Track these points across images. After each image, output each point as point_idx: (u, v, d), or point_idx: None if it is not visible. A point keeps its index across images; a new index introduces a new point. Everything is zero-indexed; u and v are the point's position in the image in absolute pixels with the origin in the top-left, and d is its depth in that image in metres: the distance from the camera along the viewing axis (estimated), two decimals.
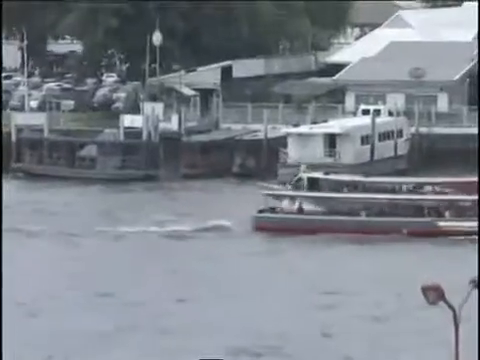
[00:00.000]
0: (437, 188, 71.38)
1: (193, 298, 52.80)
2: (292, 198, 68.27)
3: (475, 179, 70.69)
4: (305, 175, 72.61)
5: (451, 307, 21.19)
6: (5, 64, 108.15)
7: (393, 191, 72.16)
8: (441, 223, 67.63)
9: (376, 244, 63.80)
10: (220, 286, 55.17)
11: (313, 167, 77.11)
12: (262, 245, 64.31)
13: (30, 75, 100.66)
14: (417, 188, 72.37)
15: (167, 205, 74.24)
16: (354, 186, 73.99)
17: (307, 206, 71.52)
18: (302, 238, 63.81)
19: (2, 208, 72.21)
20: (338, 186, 74.08)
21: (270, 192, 68.97)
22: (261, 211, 66.73)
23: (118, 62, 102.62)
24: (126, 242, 66.79)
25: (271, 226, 65.74)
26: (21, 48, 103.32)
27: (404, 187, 71.62)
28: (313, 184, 72.77)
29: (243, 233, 65.79)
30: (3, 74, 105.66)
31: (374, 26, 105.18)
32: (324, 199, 71.85)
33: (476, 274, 22.82)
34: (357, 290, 52.94)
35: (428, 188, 71.76)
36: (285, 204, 68.47)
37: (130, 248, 66.22)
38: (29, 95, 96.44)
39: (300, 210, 67.06)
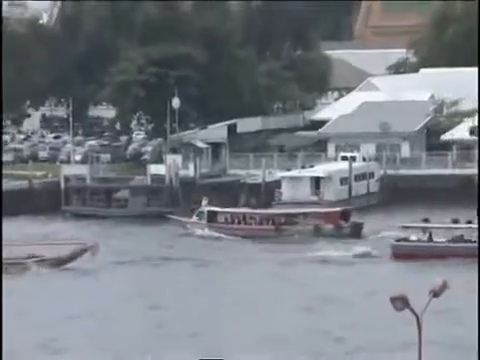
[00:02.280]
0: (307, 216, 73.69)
1: None
2: (424, 229, 64.62)
3: (337, 209, 75.10)
4: (205, 209, 75.23)
5: (415, 313, 22.65)
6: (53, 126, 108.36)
7: (270, 220, 74.43)
8: None
9: None
10: None
11: (301, 204, 78.61)
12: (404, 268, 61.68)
13: (75, 134, 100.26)
14: (291, 217, 74.44)
15: None
16: (243, 216, 75.61)
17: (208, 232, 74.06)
18: (433, 262, 60.39)
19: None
20: (231, 217, 75.60)
21: (405, 225, 66.13)
22: (398, 240, 64.17)
23: (145, 122, 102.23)
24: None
25: (407, 253, 63.11)
26: (67, 114, 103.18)
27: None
28: (212, 216, 75.06)
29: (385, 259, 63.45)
30: (53, 134, 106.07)
31: (349, 89, 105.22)
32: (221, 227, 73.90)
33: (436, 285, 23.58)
34: None
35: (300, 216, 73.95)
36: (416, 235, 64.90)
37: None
38: (74, 150, 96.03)
39: (430, 239, 64.17)
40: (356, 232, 72.22)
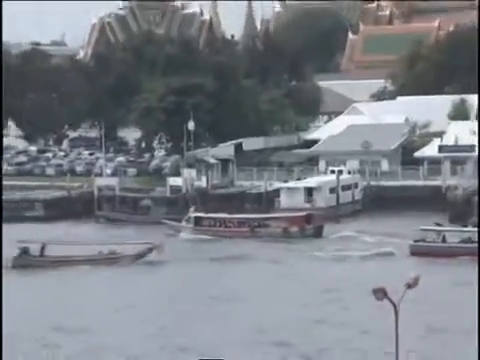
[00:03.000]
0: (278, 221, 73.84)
1: None
2: (438, 232, 64.00)
3: (302, 214, 74.90)
4: (193, 215, 75.49)
5: (392, 302, 21.85)
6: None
7: (246, 223, 74.54)
8: None
9: None
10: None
11: (297, 209, 78.00)
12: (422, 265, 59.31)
13: (106, 152, 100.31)
14: (263, 220, 74.56)
15: None
16: (223, 221, 75.45)
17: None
18: (445, 259, 60.19)
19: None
20: (213, 221, 75.50)
21: (426, 227, 65.06)
22: (416, 241, 63.30)
23: (165, 142, 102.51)
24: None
25: (423, 251, 62.28)
26: (100, 134, 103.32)
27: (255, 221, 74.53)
28: (198, 220, 75.25)
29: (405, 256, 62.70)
30: (88, 151, 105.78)
31: (337, 114, 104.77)
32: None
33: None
34: None
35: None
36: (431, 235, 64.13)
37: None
38: (105, 165, 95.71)
39: (444, 239, 63.38)
40: (317, 233, 72.61)
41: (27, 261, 61.04)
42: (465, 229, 65.15)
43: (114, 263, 61.53)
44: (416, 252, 62.27)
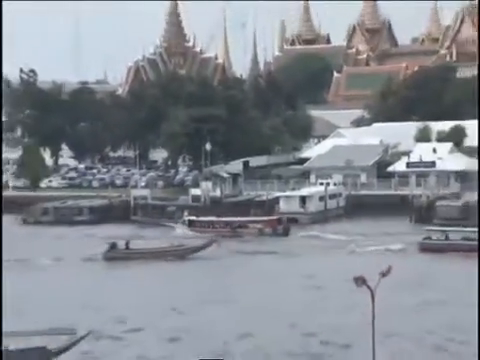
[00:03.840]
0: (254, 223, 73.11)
1: None
2: (442, 232, 62.34)
3: (274, 218, 74.91)
4: (186, 218, 75.35)
5: (369, 288, 21.53)
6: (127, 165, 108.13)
7: (229, 225, 73.57)
8: None
9: None
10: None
11: (292, 216, 77.70)
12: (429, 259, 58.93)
13: (140, 168, 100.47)
14: (243, 223, 73.71)
15: None
16: (211, 222, 74.96)
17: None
18: (449, 254, 58.64)
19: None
20: (203, 223, 75.16)
21: (431, 228, 64.34)
22: (424, 238, 61.86)
23: (187, 160, 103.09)
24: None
25: (430, 247, 60.93)
26: (135, 155, 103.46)
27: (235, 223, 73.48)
28: (190, 222, 74.95)
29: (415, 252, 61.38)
30: (125, 168, 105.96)
31: (325, 137, 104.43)
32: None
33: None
34: None
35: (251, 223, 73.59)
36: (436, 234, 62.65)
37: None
38: (139, 179, 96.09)
39: (446, 237, 61.66)
40: (285, 233, 71.77)
41: (115, 254, 60.57)
42: (465, 229, 63.24)
43: (182, 253, 61.06)
44: (424, 248, 61.11)
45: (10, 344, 33.29)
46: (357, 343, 33.60)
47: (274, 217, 75.23)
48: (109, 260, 60.05)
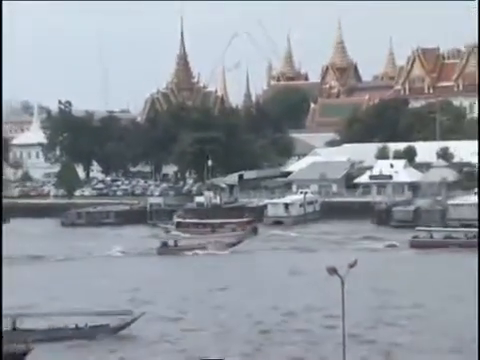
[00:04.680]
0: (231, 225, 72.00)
1: None
2: (428, 232, 61.66)
3: (245, 220, 73.45)
4: (176, 220, 74.75)
5: (340, 277, 21.73)
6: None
7: (209, 226, 72.72)
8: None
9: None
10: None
11: (278, 219, 77.54)
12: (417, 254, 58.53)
13: (155, 180, 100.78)
14: (220, 224, 72.87)
15: None
16: (195, 223, 74.66)
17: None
18: (434, 250, 57.80)
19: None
20: (188, 224, 74.71)
21: (420, 229, 62.81)
22: (413, 237, 61.09)
23: (193, 174, 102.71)
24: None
25: (418, 244, 60.10)
26: (151, 170, 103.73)
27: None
28: (178, 223, 74.37)
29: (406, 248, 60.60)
30: (143, 180, 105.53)
31: (304, 155, 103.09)
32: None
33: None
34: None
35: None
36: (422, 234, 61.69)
37: None
38: (154, 189, 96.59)
39: (431, 236, 61.10)
40: (254, 232, 71.19)
41: (167, 250, 61.20)
42: (447, 229, 63.18)
43: (219, 248, 61.11)
44: (414, 245, 60.50)
45: (81, 322, 33.50)
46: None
47: (245, 219, 74.13)
48: (161, 254, 60.82)
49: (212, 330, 35.21)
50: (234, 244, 62.17)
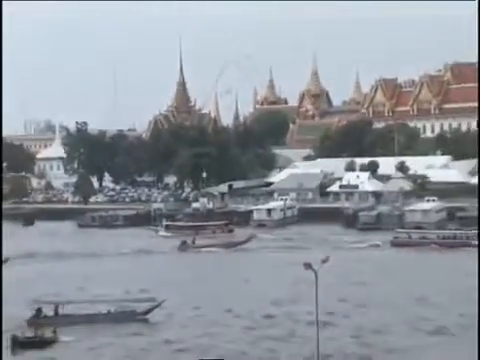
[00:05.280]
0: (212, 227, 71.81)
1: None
2: (407, 233, 60.88)
3: (222, 222, 72.58)
4: (164, 223, 73.71)
5: (314, 271, 21.72)
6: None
7: (192, 228, 71.56)
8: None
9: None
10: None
11: (262, 222, 76.86)
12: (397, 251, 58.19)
13: (158, 189, 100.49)
14: (203, 226, 72.56)
15: None
16: (180, 226, 73.66)
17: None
18: (412, 248, 57.38)
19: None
20: (176, 226, 73.91)
21: (400, 230, 62.16)
22: (394, 237, 60.42)
23: (190, 183, 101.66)
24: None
25: (399, 243, 59.65)
26: (154, 180, 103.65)
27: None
28: (167, 226, 73.25)
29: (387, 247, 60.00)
30: (147, 189, 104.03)
31: (284, 168, 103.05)
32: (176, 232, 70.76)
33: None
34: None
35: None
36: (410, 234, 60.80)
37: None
38: (157, 196, 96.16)
39: (409, 237, 60.39)
40: (230, 232, 70.36)
41: (186, 247, 61.66)
42: (422, 231, 62.55)
43: (228, 246, 61.27)
44: (394, 244, 60.12)
45: (111, 308, 33.92)
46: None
47: (223, 222, 73.76)
48: (182, 251, 61.02)
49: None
50: (240, 243, 62.04)
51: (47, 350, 29.70)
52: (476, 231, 57.92)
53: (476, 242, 56.00)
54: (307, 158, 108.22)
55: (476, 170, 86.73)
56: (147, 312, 34.88)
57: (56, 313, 33.75)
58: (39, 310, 33.20)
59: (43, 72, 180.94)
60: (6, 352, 28.59)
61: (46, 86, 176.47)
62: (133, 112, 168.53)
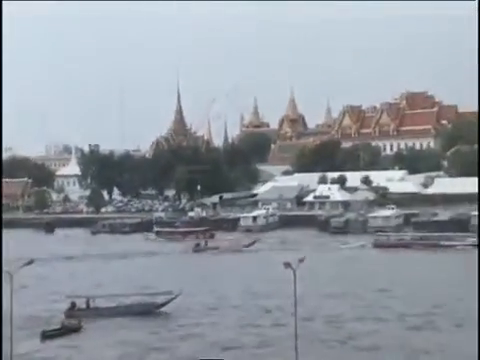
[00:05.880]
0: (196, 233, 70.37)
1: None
2: (387, 235, 59.84)
3: (204, 228, 71.10)
4: (155, 229, 73.04)
5: (292, 269, 19.65)
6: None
7: (181, 234, 70.73)
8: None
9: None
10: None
11: (248, 228, 76.01)
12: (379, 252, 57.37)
13: (159, 200, 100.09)
14: (189, 231, 71.32)
15: None
16: (170, 232, 72.19)
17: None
18: (392, 248, 56.12)
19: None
20: (165, 232, 72.57)
21: (381, 234, 60.99)
22: (375, 239, 59.59)
23: (187, 195, 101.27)
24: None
25: (380, 244, 58.90)
26: (156, 192, 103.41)
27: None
28: (158, 232, 72.38)
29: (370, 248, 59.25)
30: (150, 200, 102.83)
31: (267, 181, 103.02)
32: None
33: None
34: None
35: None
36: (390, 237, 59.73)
37: None
38: (158, 206, 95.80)
39: (389, 238, 59.81)
40: (211, 237, 70.08)
41: (200, 249, 60.90)
42: (399, 233, 62.24)
43: (237, 247, 60.04)
44: (376, 245, 59.63)
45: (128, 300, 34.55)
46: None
47: (204, 228, 73.10)
48: (196, 252, 60.03)
49: None
50: (248, 245, 61.55)
51: (72, 337, 30.11)
52: (443, 234, 58.43)
53: (445, 243, 56.66)
54: (286, 173, 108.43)
55: (427, 182, 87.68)
56: (164, 304, 35.38)
57: (87, 306, 34.18)
58: (73, 304, 34.05)
59: (58, 98, 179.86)
60: (36, 341, 28.96)
61: (62, 114, 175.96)
62: (137, 135, 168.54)
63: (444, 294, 35.59)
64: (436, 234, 58.70)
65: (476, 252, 49.21)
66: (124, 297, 35.43)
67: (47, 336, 29.80)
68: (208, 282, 42.19)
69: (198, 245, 61.71)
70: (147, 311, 34.06)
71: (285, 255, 55.35)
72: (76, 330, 30.99)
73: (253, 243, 62.08)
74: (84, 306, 34.16)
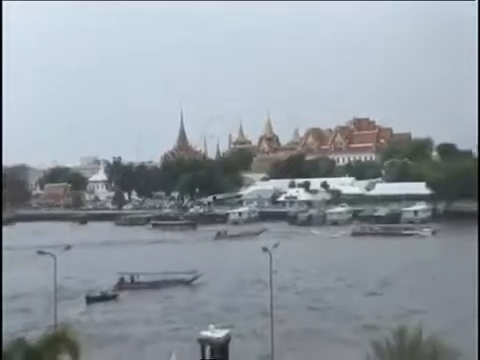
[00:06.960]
0: (182, 224, 67.88)
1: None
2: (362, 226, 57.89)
3: (191, 222, 67.58)
4: (152, 222, 70.61)
5: (269, 253, 17.14)
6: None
7: (170, 225, 68.19)
8: None
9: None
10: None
11: (235, 221, 74.51)
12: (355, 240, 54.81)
13: (167, 200, 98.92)
14: (176, 224, 68.08)
15: None
16: (162, 225, 69.31)
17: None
18: (369, 237, 52.12)
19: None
20: (158, 225, 69.99)
21: (363, 225, 59.40)
22: (354, 229, 57.49)
23: (188, 196, 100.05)
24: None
25: (358, 233, 56.98)
26: (164, 194, 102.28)
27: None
28: (154, 225, 69.94)
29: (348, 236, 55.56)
30: (159, 200, 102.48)
31: (249, 185, 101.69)
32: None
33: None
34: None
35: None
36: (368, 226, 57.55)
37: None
38: (166, 205, 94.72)
39: (364, 228, 57.65)
40: (194, 228, 68.99)
41: (220, 237, 58.42)
42: (379, 225, 59.91)
43: (251, 234, 57.70)
44: (355, 233, 58.04)
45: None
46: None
47: (188, 221, 71.12)
48: (217, 239, 57.27)
49: None
50: (256, 233, 59.14)
51: (110, 303, 30.84)
52: (403, 225, 58.35)
53: (407, 232, 55.78)
54: (264, 179, 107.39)
55: (370, 186, 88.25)
56: (193, 280, 35.40)
57: (132, 281, 34.51)
58: (122, 279, 34.41)
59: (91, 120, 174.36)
60: (82, 305, 29.80)
61: (94, 134, 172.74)
62: (151, 150, 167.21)
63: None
64: (397, 225, 58.38)
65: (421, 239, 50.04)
66: (160, 274, 35.39)
67: (91, 300, 30.98)
68: (227, 264, 40.46)
69: (219, 233, 59.14)
70: (177, 285, 34.50)
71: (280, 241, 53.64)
72: (114, 297, 31.83)
73: (261, 231, 59.97)
74: (129, 281, 34.51)
